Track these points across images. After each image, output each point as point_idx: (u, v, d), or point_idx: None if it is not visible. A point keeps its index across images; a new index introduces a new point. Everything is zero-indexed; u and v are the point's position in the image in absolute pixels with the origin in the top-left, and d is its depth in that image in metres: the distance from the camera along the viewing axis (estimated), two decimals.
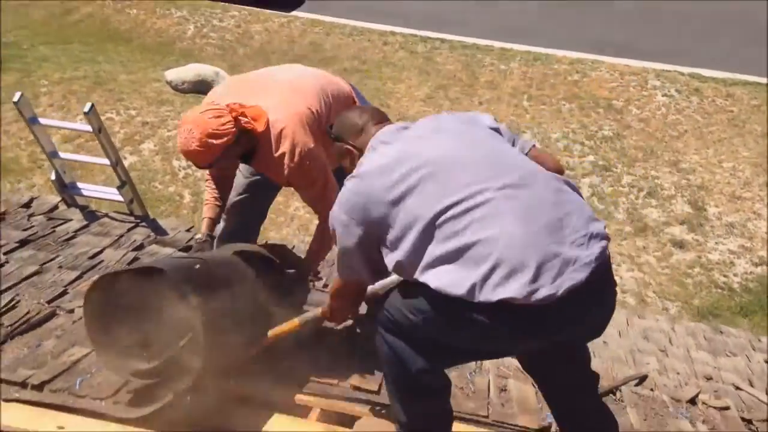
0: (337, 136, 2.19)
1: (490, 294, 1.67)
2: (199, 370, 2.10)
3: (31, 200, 4.11)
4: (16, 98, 3.75)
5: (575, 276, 1.70)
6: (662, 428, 2.54)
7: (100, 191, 4.27)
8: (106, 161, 3.95)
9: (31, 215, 3.86)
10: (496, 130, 2.07)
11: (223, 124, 2.33)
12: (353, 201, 1.93)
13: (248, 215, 3.04)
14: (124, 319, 2.16)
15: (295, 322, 2.42)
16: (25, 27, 11.47)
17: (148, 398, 2.16)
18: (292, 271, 2.71)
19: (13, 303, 2.69)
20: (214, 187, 2.85)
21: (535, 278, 1.66)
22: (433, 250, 1.75)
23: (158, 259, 2.54)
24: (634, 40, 12.52)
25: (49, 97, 9.10)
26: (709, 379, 3.09)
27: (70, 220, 3.93)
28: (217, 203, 2.86)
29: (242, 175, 2.97)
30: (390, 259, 1.87)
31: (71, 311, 2.77)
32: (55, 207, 4.09)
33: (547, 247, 1.70)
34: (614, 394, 2.74)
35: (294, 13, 13.25)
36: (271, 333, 2.43)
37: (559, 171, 2.11)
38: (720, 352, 3.52)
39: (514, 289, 1.66)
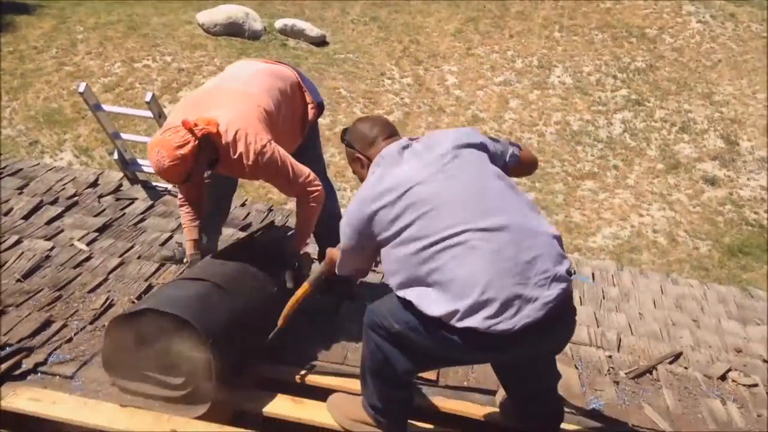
0: (349, 143, 2.44)
1: (458, 322, 2.00)
2: (215, 385, 2.36)
3: (98, 178, 4.37)
4: (81, 88, 3.95)
5: (532, 314, 2.00)
6: (695, 408, 2.81)
7: None
8: None
9: (100, 196, 4.14)
10: (485, 146, 2.32)
11: (183, 137, 2.59)
12: (356, 223, 2.24)
13: (217, 191, 3.30)
14: (141, 351, 2.40)
15: (306, 285, 2.63)
16: None
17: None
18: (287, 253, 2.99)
19: (109, 302, 2.98)
20: (189, 210, 3.10)
21: (498, 314, 1.99)
22: (417, 276, 2.09)
23: (164, 295, 2.78)
24: None
25: (86, 44, 9.23)
26: (738, 351, 3.34)
27: (136, 199, 4.20)
28: (194, 224, 3.11)
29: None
30: (384, 268, 2.21)
31: None
32: (120, 185, 4.35)
33: (512, 287, 2.00)
34: (651, 374, 3.01)
35: None
36: (288, 305, 2.64)
37: (535, 166, 2.55)
38: (749, 320, 3.75)
39: (477, 321, 1.99)
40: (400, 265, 2.12)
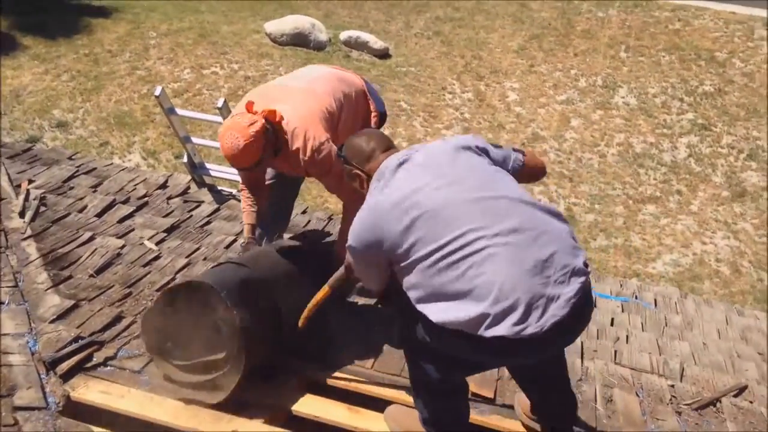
0: (346, 159, 2.41)
1: (485, 331, 1.98)
2: (243, 371, 2.44)
3: (167, 180, 4.50)
4: (158, 92, 4.08)
5: (558, 313, 1.99)
6: None
7: (226, 172, 4.62)
8: None
9: (169, 197, 4.27)
10: (485, 151, 2.29)
11: (250, 117, 2.72)
12: (365, 237, 2.20)
13: (279, 195, 3.44)
14: (179, 331, 2.50)
15: (326, 288, 2.65)
16: None
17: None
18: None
19: None
20: (248, 195, 3.18)
21: (524, 319, 1.97)
22: (436, 288, 2.05)
23: (208, 271, 2.86)
24: None
25: (158, 49, 9.52)
26: None
27: (202, 202, 4.31)
28: (253, 209, 3.19)
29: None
30: (405, 281, 2.16)
31: None
32: (188, 187, 4.48)
33: (534, 288, 1.98)
34: (714, 406, 2.94)
35: None
36: (308, 306, 2.68)
37: (543, 171, 2.49)
38: None
39: (505, 329, 1.96)
40: (417, 279, 2.09)
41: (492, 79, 9.92)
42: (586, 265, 2.10)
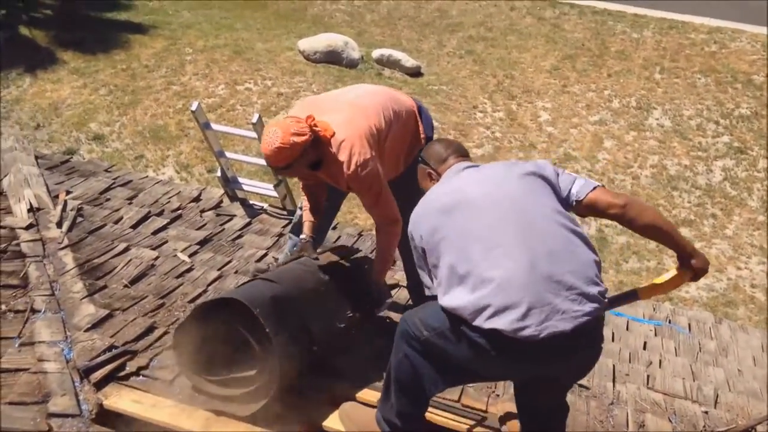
0: (423, 159, 2.56)
1: (484, 322, 2.03)
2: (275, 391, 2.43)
3: (200, 193, 4.56)
4: (194, 107, 4.15)
5: (559, 325, 2.00)
6: None
7: (258, 187, 4.67)
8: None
9: (202, 211, 4.32)
10: (548, 176, 2.29)
11: (302, 127, 2.74)
12: (415, 221, 2.33)
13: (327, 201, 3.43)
14: (210, 346, 2.52)
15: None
16: None
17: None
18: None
19: None
20: (307, 194, 3.24)
21: (524, 317, 1.99)
22: (455, 279, 2.12)
23: (240, 287, 2.91)
24: None
25: (194, 65, 9.68)
26: None
27: (234, 216, 4.35)
28: (312, 209, 3.25)
29: None
30: (435, 273, 2.24)
31: None
32: (220, 201, 4.53)
33: (542, 294, 2.01)
34: None
35: None
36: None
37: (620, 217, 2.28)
38: None
39: (503, 323, 2.01)
40: (444, 271, 2.16)
41: (524, 99, 9.90)
42: (602, 295, 2.10)
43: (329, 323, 2.75)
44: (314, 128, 2.76)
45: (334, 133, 2.80)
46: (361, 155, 2.81)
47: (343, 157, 2.81)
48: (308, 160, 2.83)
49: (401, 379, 2.34)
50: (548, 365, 2.13)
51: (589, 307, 2.04)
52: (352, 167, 2.81)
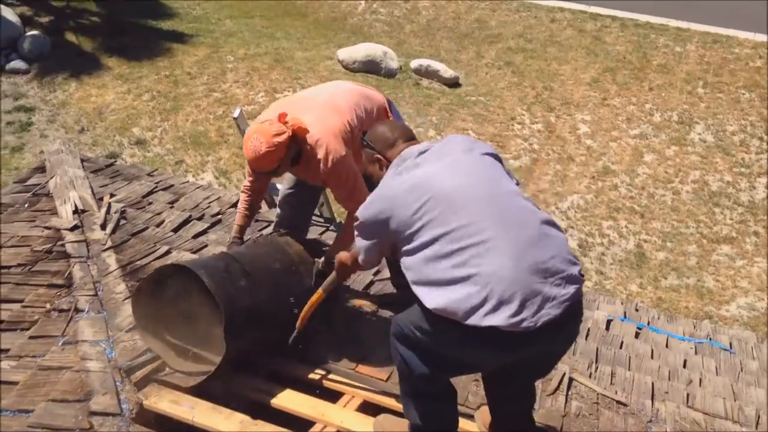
0: (369, 144, 2.53)
1: (480, 320, 2.02)
2: (226, 354, 2.54)
3: (238, 200, 4.61)
4: (236, 114, 4.21)
5: (551, 312, 2.06)
6: None
7: None
8: None
9: None
10: (498, 157, 2.38)
11: (279, 127, 2.86)
12: (374, 212, 2.30)
13: (298, 204, 3.62)
14: (168, 305, 2.71)
15: (320, 291, 2.79)
16: None
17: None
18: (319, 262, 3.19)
19: None
20: (248, 198, 3.40)
21: (519, 312, 2.02)
22: (437, 273, 2.11)
23: (199, 259, 3.17)
24: None
25: (235, 73, 9.82)
26: None
27: (272, 222, 4.39)
28: (248, 213, 3.41)
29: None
30: (403, 261, 2.24)
31: None
32: (258, 206, 4.57)
33: (532, 285, 2.05)
34: None
35: None
36: (304, 309, 2.81)
37: None
38: None
39: (500, 319, 2.01)
40: (418, 263, 2.17)
41: (563, 111, 9.83)
42: (581, 274, 2.18)
43: (282, 299, 2.88)
44: (288, 124, 2.88)
45: (307, 129, 2.92)
46: (337, 153, 2.95)
47: (320, 153, 2.95)
48: (290, 156, 2.95)
49: (404, 378, 2.37)
50: (542, 346, 2.18)
51: (572, 288, 2.12)
52: (330, 164, 2.96)
